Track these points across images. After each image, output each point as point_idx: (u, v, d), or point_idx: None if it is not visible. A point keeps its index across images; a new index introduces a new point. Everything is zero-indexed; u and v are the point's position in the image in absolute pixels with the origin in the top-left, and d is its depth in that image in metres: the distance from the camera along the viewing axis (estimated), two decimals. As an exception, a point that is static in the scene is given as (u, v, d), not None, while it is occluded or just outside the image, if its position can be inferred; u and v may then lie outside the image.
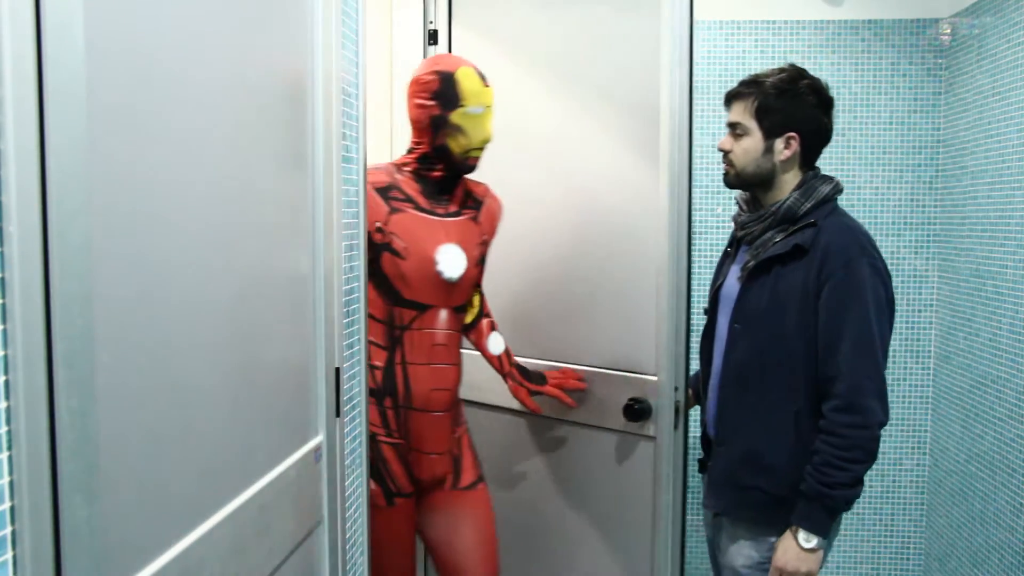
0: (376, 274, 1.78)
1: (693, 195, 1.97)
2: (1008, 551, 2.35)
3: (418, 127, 1.81)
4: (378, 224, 1.77)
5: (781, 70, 1.75)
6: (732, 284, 1.80)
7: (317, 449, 1.44)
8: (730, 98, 1.78)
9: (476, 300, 2.05)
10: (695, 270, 2.44)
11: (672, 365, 1.92)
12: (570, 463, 2.25)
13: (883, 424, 1.62)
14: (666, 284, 1.93)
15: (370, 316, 1.75)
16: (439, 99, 1.77)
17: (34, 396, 0.72)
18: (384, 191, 1.80)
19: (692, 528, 2.59)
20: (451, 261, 1.80)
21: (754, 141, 1.71)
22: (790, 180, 1.73)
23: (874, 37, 2.78)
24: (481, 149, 1.82)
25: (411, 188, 1.83)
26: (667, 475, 1.94)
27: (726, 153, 1.76)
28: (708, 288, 2.66)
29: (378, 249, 1.77)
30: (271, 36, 1.24)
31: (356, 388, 1.68)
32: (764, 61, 2.81)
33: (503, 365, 2.08)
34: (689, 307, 1.95)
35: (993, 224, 2.45)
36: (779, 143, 1.70)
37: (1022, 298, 2.29)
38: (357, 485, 1.69)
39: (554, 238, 2.26)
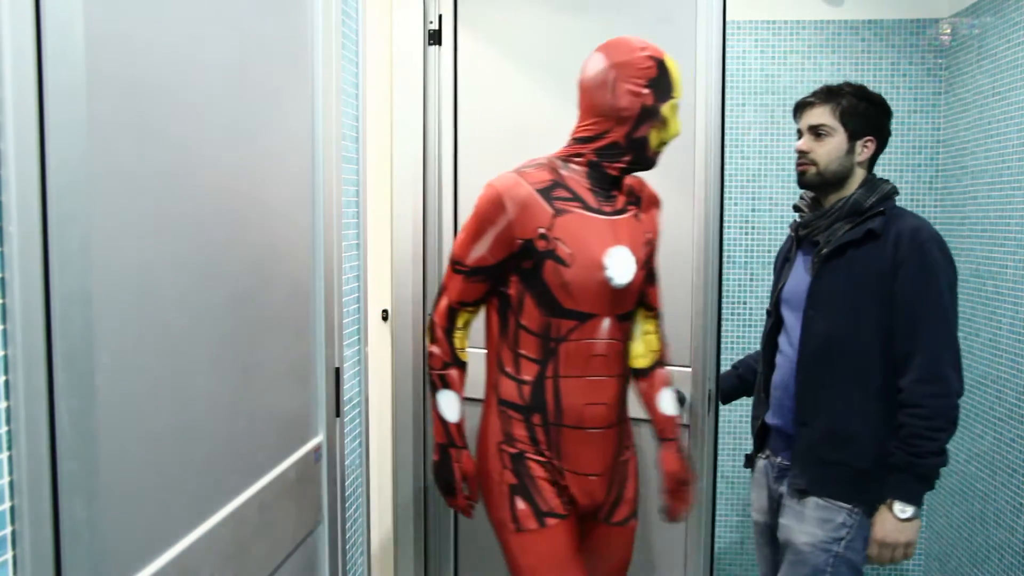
0: (535, 284, 1.59)
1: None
2: (1008, 551, 2.35)
3: (618, 115, 1.59)
4: (541, 230, 1.56)
5: (845, 83, 1.90)
6: (799, 280, 1.89)
7: (317, 449, 1.44)
8: (805, 105, 1.90)
9: (655, 341, 1.82)
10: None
11: (706, 356, 2.04)
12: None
13: (960, 394, 1.72)
14: (701, 283, 2.04)
15: (524, 329, 1.61)
16: (655, 88, 1.57)
17: (34, 396, 0.72)
18: (547, 191, 1.58)
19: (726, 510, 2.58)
20: (621, 265, 1.59)
21: (839, 142, 1.83)
22: (857, 180, 1.86)
23: (874, 37, 2.78)
24: (668, 143, 1.66)
25: (579, 184, 1.62)
26: (701, 453, 2.06)
27: (804, 154, 1.86)
28: (732, 284, 2.70)
29: (540, 257, 1.57)
30: (271, 36, 1.24)
31: (356, 388, 1.68)
32: (764, 61, 2.81)
33: (669, 430, 1.80)
34: (720, 303, 2.04)
35: (993, 224, 2.45)
36: (859, 145, 1.84)
37: (1022, 298, 2.29)
38: (357, 485, 1.69)
39: None
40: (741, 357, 2.25)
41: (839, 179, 1.85)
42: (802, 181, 1.88)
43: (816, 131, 1.85)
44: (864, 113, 1.84)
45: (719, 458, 2.15)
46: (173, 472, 0.97)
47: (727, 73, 2.80)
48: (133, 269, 0.88)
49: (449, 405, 1.64)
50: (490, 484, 1.66)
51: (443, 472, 1.66)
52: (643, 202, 1.75)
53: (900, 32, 2.78)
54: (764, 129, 2.83)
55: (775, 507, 1.95)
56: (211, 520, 1.05)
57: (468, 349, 1.77)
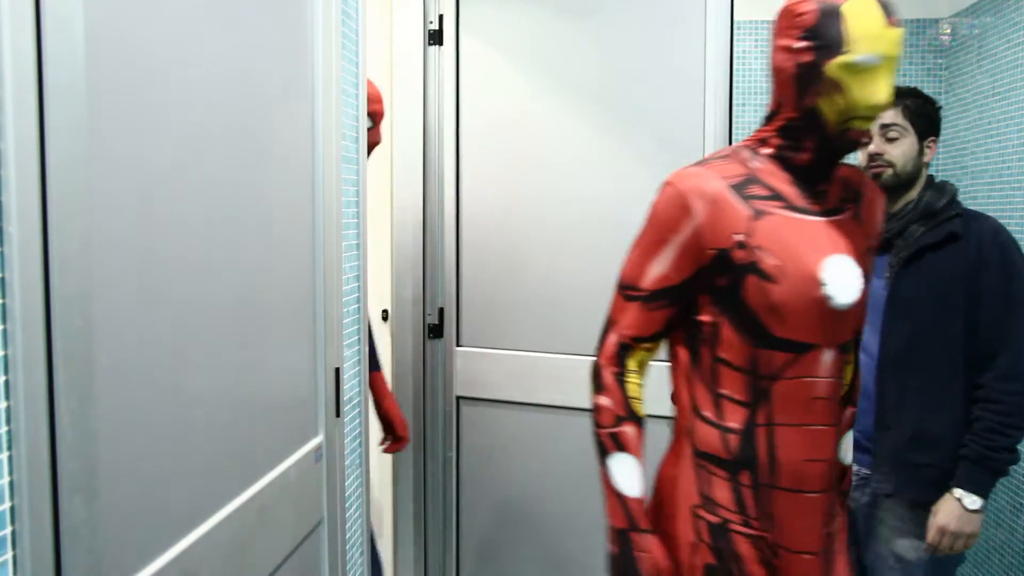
0: (736, 306, 1.26)
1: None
2: (1008, 551, 2.35)
3: (779, 80, 1.28)
4: (738, 237, 1.23)
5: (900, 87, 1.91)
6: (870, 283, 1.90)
7: (317, 449, 1.44)
8: None
9: (849, 372, 1.44)
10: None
11: None
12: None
13: None
14: None
15: (724, 363, 1.28)
16: (815, 40, 1.22)
17: (34, 396, 0.72)
18: (740, 188, 1.26)
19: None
20: (843, 280, 1.25)
21: (911, 143, 1.84)
22: (920, 182, 1.87)
23: (874, 37, 2.78)
24: (868, 119, 1.24)
25: (777, 177, 1.29)
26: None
27: (879, 156, 1.84)
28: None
29: (739, 272, 1.24)
30: (271, 36, 1.24)
31: (356, 388, 1.68)
32: (764, 61, 2.81)
33: (844, 481, 1.47)
34: None
35: (993, 224, 2.45)
36: (925, 146, 1.86)
37: (1022, 298, 2.29)
38: (357, 485, 1.69)
39: (586, 240, 2.28)
40: None
41: (911, 180, 1.84)
42: (880, 183, 1.85)
43: (887, 131, 1.83)
44: (928, 113, 1.85)
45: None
46: (173, 472, 0.97)
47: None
48: (133, 269, 0.88)
49: (627, 474, 1.27)
50: (677, 557, 1.31)
51: (627, 568, 1.26)
52: (864, 198, 1.39)
53: (900, 32, 2.78)
54: (764, 129, 2.83)
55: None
56: (211, 520, 1.05)
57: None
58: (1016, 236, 2.31)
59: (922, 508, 1.77)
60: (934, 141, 1.86)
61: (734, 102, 2.80)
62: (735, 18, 2.78)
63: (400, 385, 2.48)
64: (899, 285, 1.81)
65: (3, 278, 0.69)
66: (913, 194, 1.85)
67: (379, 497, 2.62)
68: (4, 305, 0.69)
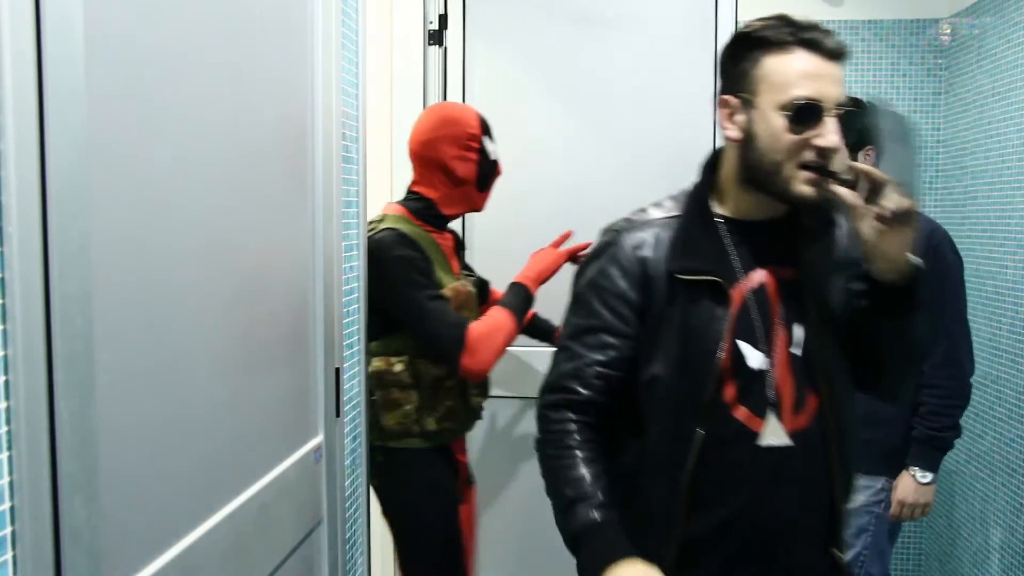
0: None
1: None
2: (1008, 551, 2.35)
3: None
4: None
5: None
6: None
7: (317, 449, 1.44)
8: None
9: None
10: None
11: None
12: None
13: (971, 373, 1.97)
14: None
15: None
16: None
17: (34, 396, 0.72)
18: None
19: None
20: None
21: (840, 158, 1.99)
22: None
23: (874, 37, 2.78)
24: None
25: None
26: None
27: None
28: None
29: None
30: (271, 37, 1.24)
31: (356, 388, 1.68)
32: (764, 61, 2.81)
33: None
34: None
35: (993, 224, 2.45)
36: (860, 156, 1.96)
37: (1022, 298, 2.29)
38: (357, 485, 1.69)
39: (588, 239, 2.31)
40: None
41: None
42: None
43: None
44: (859, 124, 1.94)
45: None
46: (173, 472, 0.97)
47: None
48: (133, 269, 0.88)
49: None
50: None
51: None
52: None
53: (900, 32, 2.78)
54: (764, 129, 2.83)
55: None
56: (211, 520, 1.05)
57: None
58: (1016, 236, 2.31)
59: (865, 476, 1.93)
60: (872, 149, 1.96)
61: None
62: (737, 20, 2.79)
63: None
64: None
65: (3, 278, 0.69)
66: None
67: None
68: (4, 305, 0.69)
